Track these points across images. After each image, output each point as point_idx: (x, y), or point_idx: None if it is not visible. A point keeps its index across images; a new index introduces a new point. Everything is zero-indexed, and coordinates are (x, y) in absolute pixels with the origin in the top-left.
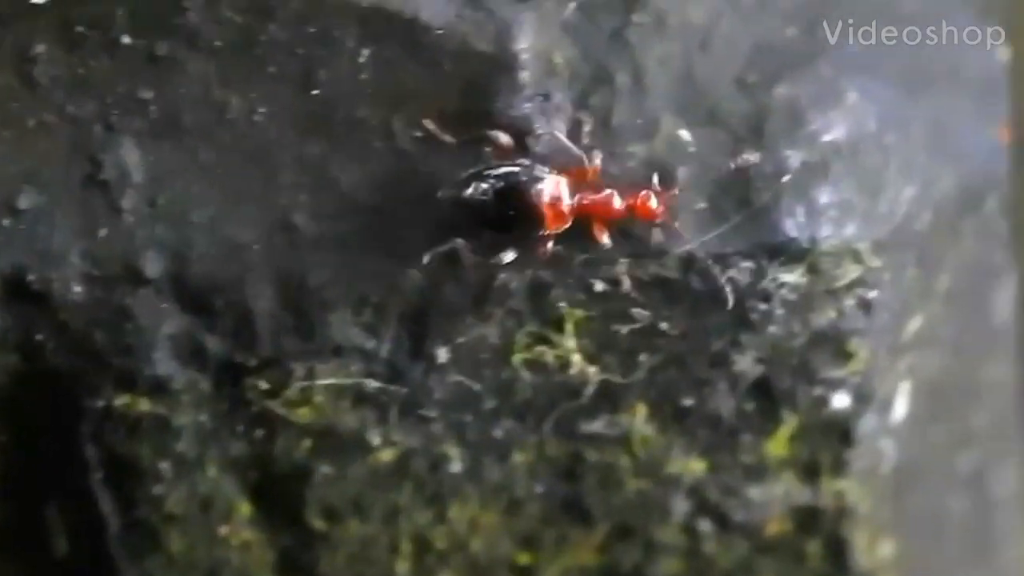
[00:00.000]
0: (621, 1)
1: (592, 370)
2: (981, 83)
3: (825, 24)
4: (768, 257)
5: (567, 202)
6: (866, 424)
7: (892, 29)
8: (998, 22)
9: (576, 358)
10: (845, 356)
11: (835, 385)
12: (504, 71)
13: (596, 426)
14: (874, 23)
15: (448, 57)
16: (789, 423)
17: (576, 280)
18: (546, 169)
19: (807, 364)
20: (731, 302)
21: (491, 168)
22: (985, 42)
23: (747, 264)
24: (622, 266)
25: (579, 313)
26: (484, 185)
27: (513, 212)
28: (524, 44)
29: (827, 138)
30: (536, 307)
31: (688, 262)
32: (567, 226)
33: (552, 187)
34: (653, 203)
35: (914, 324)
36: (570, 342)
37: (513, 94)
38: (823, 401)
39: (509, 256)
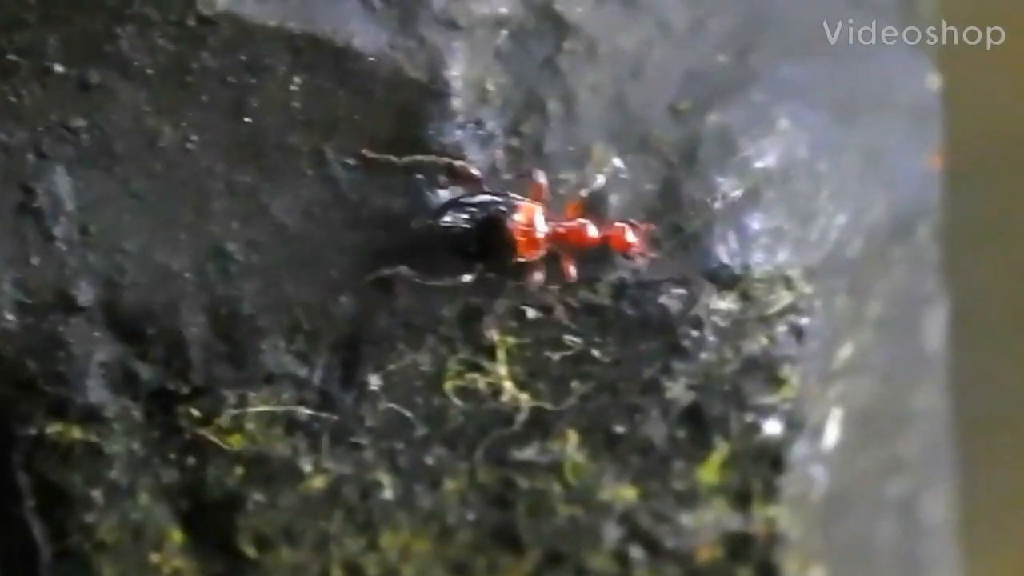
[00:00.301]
0: (552, 29)
1: (524, 397)
2: (913, 110)
3: (756, 51)
4: (700, 284)
5: (541, 230)
6: (797, 451)
7: (824, 56)
8: (929, 49)
9: (508, 385)
10: (777, 383)
11: (767, 412)
12: (436, 98)
13: (528, 453)
14: (806, 50)
15: (380, 84)
16: (721, 450)
17: (507, 307)
18: (521, 198)
19: (739, 391)
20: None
21: (467, 197)
22: (917, 70)
23: (679, 291)
24: (554, 293)
25: (511, 340)
26: (462, 215)
27: (489, 241)
28: (456, 71)
29: (759, 165)
30: (468, 334)
31: (620, 289)
32: (541, 254)
33: (527, 216)
34: (630, 236)
35: (845, 351)
36: (502, 369)
37: (445, 121)
38: (755, 428)
39: (467, 278)
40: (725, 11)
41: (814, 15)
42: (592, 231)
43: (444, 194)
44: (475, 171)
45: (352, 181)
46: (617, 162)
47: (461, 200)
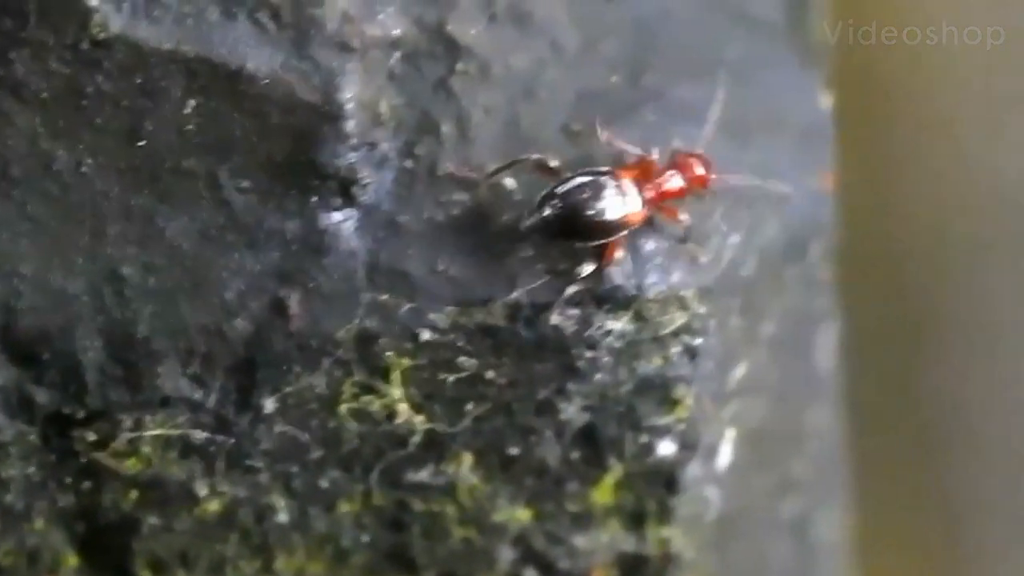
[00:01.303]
0: (445, 50)
1: (418, 419)
2: (805, 130)
3: (649, 72)
4: (595, 304)
5: (638, 200)
6: (691, 471)
7: (716, 76)
8: (821, 69)
9: (402, 407)
10: (671, 403)
11: (661, 432)
12: (330, 120)
13: (422, 475)
14: (698, 71)
15: (274, 107)
16: (615, 471)
17: (402, 329)
18: (608, 174)
19: (633, 412)
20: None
21: (558, 186)
22: (808, 89)
23: (574, 312)
24: (448, 314)
25: (405, 362)
26: (556, 202)
27: (588, 224)
28: (350, 94)
29: None
30: (363, 356)
31: (514, 310)
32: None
33: (618, 192)
34: (701, 170)
35: (739, 371)
36: (397, 391)
37: (339, 143)
38: (649, 448)
39: (588, 268)
40: (617, 32)
41: (705, 36)
42: (678, 180)
43: (337, 216)
44: (553, 163)
45: (247, 204)
46: (510, 183)
47: (553, 191)
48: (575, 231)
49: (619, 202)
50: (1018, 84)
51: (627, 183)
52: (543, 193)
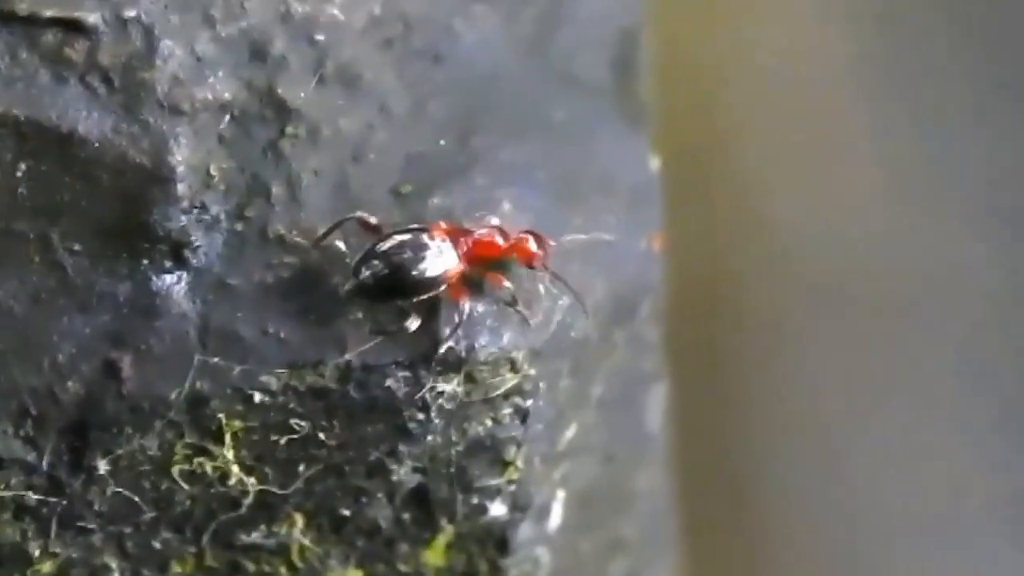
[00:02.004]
0: (275, 113)
1: (250, 481)
2: (633, 191)
3: (477, 135)
4: (426, 366)
5: (454, 255)
6: (523, 532)
7: (544, 139)
8: (648, 131)
9: (235, 469)
10: (502, 464)
11: (492, 493)
12: (161, 183)
13: (254, 536)
14: (526, 133)
15: (105, 170)
16: (446, 532)
17: (234, 391)
18: (423, 231)
19: (465, 473)
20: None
21: (376, 245)
22: (636, 151)
23: (404, 374)
24: (280, 376)
25: (237, 424)
26: (375, 262)
27: (408, 282)
28: (180, 156)
29: None
30: (195, 418)
31: (345, 372)
32: (466, 271)
33: (436, 248)
34: (532, 245)
35: (569, 432)
36: (229, 453)
37: (170, 206)
38: (480, 509)
39: (414, 324)
40: (445, 95)
41: (533, 98)
42: (499, 239)
43: (168, 278)
44: (373, 220)
45: (78, 267)
46: (341, 245)
47: (373, 250)
48: (395, 290)
49: (437, 258)
50: (810, 133)
51: (443, 239)
52: (360, 254)
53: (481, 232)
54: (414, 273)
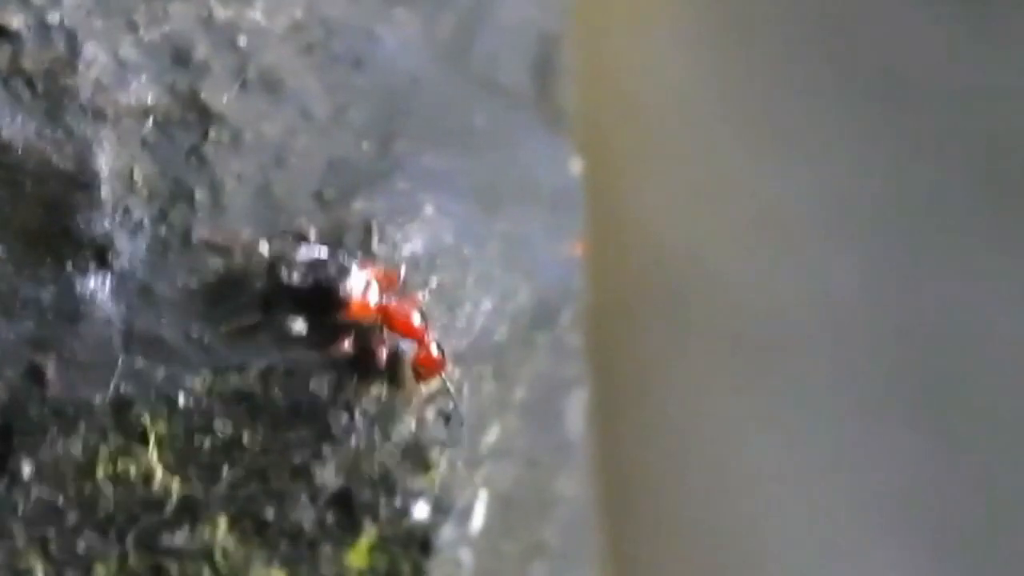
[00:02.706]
0: (198, 118)
1: (174, 483)
2: (555, 197)
3: (399, 139)
4: (349, 370)
5: (373, 300)
6: (445, 534)
7: (466, 145)
8: (570, 136)
9: (158, 472)
10: (425, 467)
11: (415, 496)
12: (84, 189)
13: (178, 539)
14: (447, 139)
15: (28, 176)
16: (369, 534)
17: (158, 395)
18: (354, 261)
19: (388, 475)
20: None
21: (297, 253)
22: (558, 156)
23: (328, 377)
24: (204, 380)
25: (162, 427)
26: (295, 273)
27: (322, 300)
28: (104, 161)
29: (406, 252)
30: (119, 422)
31: (269, 376)
32: (367, 322)
33: (360, 282)
34: (435, 351)
35: (491, 436)
36: (153, 456)
37: (93, 211)
38: (403, 512)
39: (299, 326)
40: (366, 100)
41: (454, 103)
42: (416, 321)
43: (92, 283)
44: (310, 233)
45: (2, 272)
46: (264, 248)
47: (292, 257)
48: (314, 303)
49: (360, 285)
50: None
51: (368, 273)
52: (284, 261)
53: (403, 301)
54: (335, 289)
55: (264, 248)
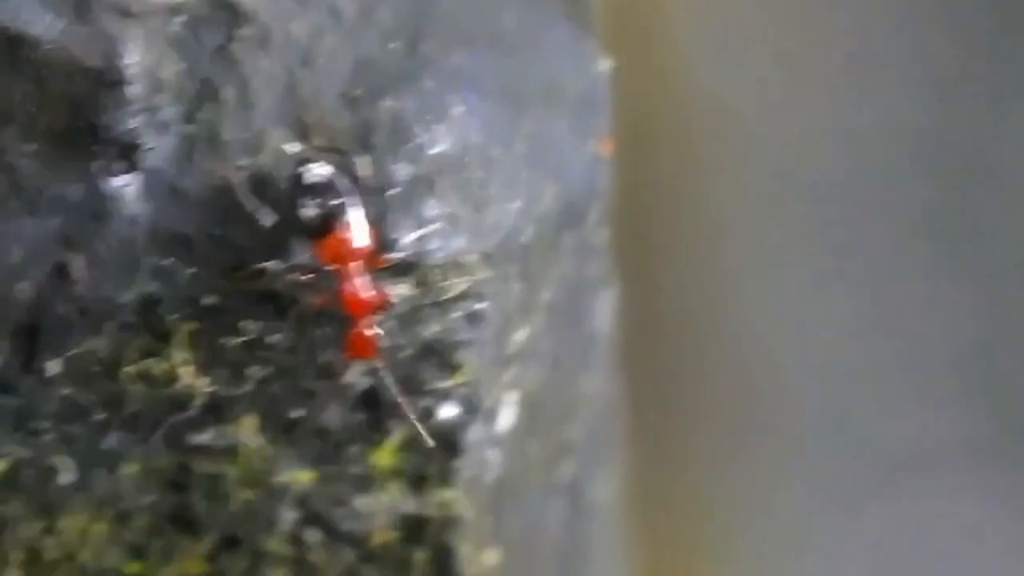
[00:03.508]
0: (226, 16)
1: (200, 382)
2: (582, 96)
3: (426, 40)
4: (377, 270)
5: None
6: (473, 434)
7: (493, 44)
8: (598, 34)
9: (185, 371)
10: (453, 367)
11: (443, 396)
12: (111, 87)
13: (204, 437)
14: (474, 39)
15: (55, 74)
16: (397, 434)
17: (184, 294)
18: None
19: (415, 375)
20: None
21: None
22: (586, 55)
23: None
24: (230, 279)
25: (188, 326)
26: (307, 200)
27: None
28: (131, 59)
29: (433, 152)
30: (145, 320)
31: (294, 274)
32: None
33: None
34: (372, 333)
35: (519, 336)
36: (179, 355)
37: (121, 109)
38: (430, 412)
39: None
40: (394, 0)
41: (482, 3)
42: (365, 305)
43: (119, 181)
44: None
45: (28, 170)
46: (292, 148)
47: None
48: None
49: (359, 222)
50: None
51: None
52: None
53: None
54: (336, 223)
55: (290, 146)
